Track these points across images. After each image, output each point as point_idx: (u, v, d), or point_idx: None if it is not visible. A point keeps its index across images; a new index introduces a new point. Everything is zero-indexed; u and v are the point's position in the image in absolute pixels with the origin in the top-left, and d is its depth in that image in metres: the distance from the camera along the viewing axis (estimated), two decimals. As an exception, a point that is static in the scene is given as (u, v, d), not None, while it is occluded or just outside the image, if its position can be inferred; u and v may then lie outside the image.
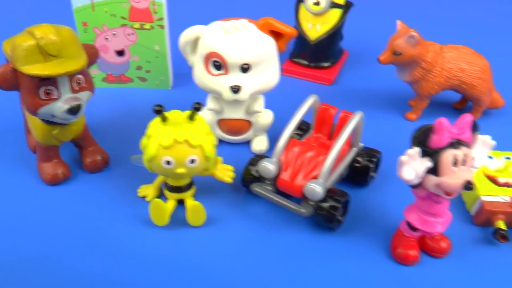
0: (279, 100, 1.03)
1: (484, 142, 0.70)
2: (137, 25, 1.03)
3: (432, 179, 0.66)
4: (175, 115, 0.76)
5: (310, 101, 0.83)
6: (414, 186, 0.69)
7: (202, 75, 0.85)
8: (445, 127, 0.64)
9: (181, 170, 0.74)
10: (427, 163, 0.65)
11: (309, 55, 1.13)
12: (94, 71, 1.10)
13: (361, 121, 0.81)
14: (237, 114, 0.90)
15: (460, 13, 1.50)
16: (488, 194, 0.81)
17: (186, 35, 0.85)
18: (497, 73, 1.06)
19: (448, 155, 0.65)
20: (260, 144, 0.93)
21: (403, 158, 0.65)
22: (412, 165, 0.65)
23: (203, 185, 0.86)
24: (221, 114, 0.91)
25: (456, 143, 0.66)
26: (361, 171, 0.85)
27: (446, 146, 0.65)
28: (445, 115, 1.04)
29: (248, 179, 0.83)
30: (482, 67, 0.97)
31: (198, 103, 0.73)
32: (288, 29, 0.83)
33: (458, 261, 0.77)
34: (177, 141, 0.72)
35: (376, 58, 0.97)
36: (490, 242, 0.80)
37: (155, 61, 1.08)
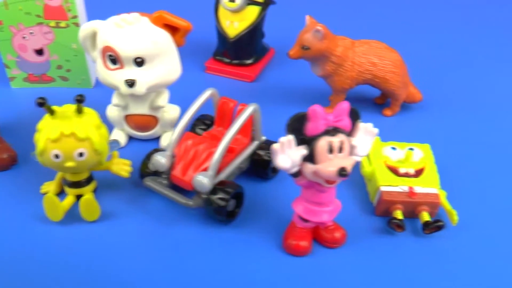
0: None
1: (366, 130, 0.70)
2: (53, 23, 1.02)
3: (309, 167, 0.66)
4: (64, 109, 0.75)
5: (206, 95, 0.82)
6: (295, 175, 0.68)
7: (101, 70, 0.85)
8: (319, 115, 0.64)
9: (70, 164, 0.74)
10: (302, 151, 0.65)
11: (231, 53, 1.12)
12: (15, 71, 1.09)
13: (256, 113, 0.81)
14: (142, 109, 0.89)
15: (381, 9, 1.50)
16: (388, 185, 0.81)
17: (83, 30, 0.84)
18: (415, 68, 1.06)
19: (323, 143, 0.64)
20: (168, 140, 0.92)
21: (275, 146, 0.64)
22: (287, 153, 0.65)
23: (106, 180, 0.85)
24: (126, 109, 0.90)
25: (332, 131, 0.65)
26: (261, 164, 0.84)
27: (321, 134, 0.65)
28: (365, 110, 1.05)
29: (146, 173, 0.82)
30: (393, 61, 0.97)
31: (80, 95, 0.72)
32: (182, 23, 0.82)
33: (353, 251, 0.76)
34: (64, 134, 0.72)
35: (286, 53, 0.96)
36: (389, 232, 0.80)
37: (74, 60, 1.07)
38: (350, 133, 0.68)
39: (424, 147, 0.88)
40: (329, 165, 0.64)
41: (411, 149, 0.86)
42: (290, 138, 0.64)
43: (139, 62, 0.82)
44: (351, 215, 0.82)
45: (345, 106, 0.66)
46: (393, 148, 0.86)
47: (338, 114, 0.66)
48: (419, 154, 0.86)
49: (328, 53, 0.94)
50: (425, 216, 0.79)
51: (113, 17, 0.83)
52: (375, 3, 1.53)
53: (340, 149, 0.65)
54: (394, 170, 0.83)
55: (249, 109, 0.79)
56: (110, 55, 0.82)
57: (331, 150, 0.64)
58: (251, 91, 1.11)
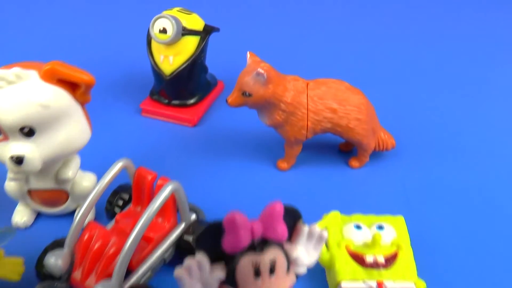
0: (131, 147, 0.85)
1: (311, 235, 0.52)
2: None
3: (229, 294, 0.48)
4: None
5: (116, 169, 0.65)
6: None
7: (-16, 141, 0.67)
8: (240, 225, 0.46)
9: None
10: (218, 275, 0.47)
11: (168, 92, 0.94)
12: None
13: (178, 192, 0.63)
14: (46, 183, 0.72)
15: (341, 41, 1.29)
16: (351, 279, 0.64)
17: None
18: (385, 109, 0.89)
19: (246, 264, 0.47)
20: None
21: (179, 272, 0.46)
22: (198, 279, 0.47)
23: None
24: (28, 183, 0.72)
25: (259, 245, 0.47)
26: (189, 252, 0.65)
27: (244, 250, 0.47)
28: (328, 160, 0.87)
29: (43, 274, 0.64)
30: (357, 105, 0.79)
31: None
32: (82, 76, 0.64)
33: None
34: None
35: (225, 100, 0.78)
36: None
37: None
38: (289, 238, 0.51)
39: (397, 221, 0.70)
40: (255, 294, 0.47)
41: (380, 227, 0.68)
42: (201, 259, 0.47)
43: (27, 132, 0.63)
44: (306, 316, 0.65)
45: (277, 209, 0.48)
46: (358, 227, 0.69)
47: (267, 220, 0.48)
48: (391, 233, 0.68)
49: (276, 100, 0.76)
50: (399, 321, 0.61)
51: (-4, 72, 0.64)
52: (335, 33, 1.32)
53: (272, 269, 0.47)
54: (358, 259, 0.65)
55: (166, 191, 0.61)
56: (-11, 125, 0.63)
57: (257, 273, 0.47)
58: (192, 139, 0.93)
